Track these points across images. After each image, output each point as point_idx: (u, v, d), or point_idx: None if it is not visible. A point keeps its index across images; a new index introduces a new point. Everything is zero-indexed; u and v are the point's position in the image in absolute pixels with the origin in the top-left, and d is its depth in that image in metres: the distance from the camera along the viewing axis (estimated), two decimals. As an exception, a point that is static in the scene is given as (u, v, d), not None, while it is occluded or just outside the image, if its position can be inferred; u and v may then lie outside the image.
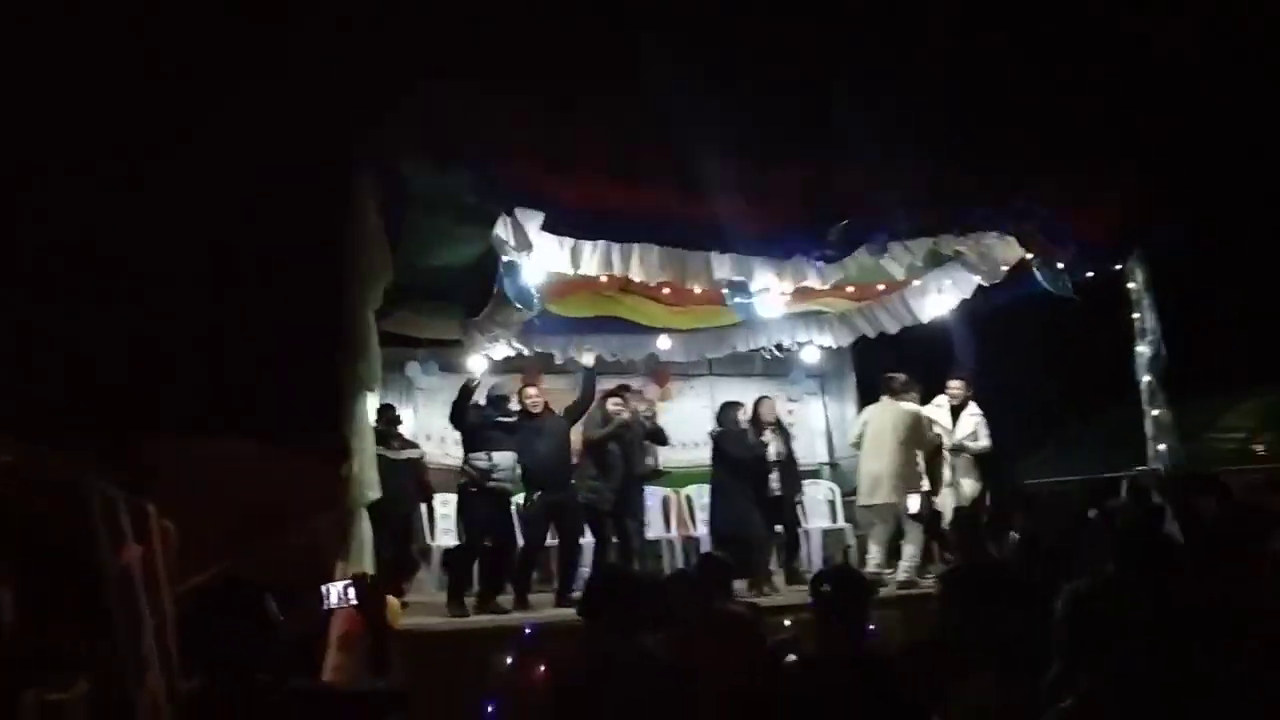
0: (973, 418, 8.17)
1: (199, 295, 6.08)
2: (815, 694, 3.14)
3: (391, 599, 5.44)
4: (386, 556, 6.41)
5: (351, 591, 4.12)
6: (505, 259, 5.65)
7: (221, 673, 2.53)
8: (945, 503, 7.97)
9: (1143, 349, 7.35)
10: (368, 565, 5.29)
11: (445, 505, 8.19)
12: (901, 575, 7.33)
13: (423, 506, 8.25)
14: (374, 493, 5.45)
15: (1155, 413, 7.39)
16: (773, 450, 8.00)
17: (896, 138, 6.30)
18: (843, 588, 3.64)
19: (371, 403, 6.20)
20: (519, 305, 5.82)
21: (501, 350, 7.97)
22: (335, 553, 5.27)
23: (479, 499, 7.01)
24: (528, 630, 5.81)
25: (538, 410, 7.43)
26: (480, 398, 7.34)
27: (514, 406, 7.45)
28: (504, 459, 7.04)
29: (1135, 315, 7.37)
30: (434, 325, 7.82)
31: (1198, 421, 10.20)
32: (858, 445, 7.94)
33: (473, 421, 7.16)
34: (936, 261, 7.68)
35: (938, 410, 8.28)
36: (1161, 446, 7.34)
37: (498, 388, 7.50)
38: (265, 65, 6.04)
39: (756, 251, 6.33)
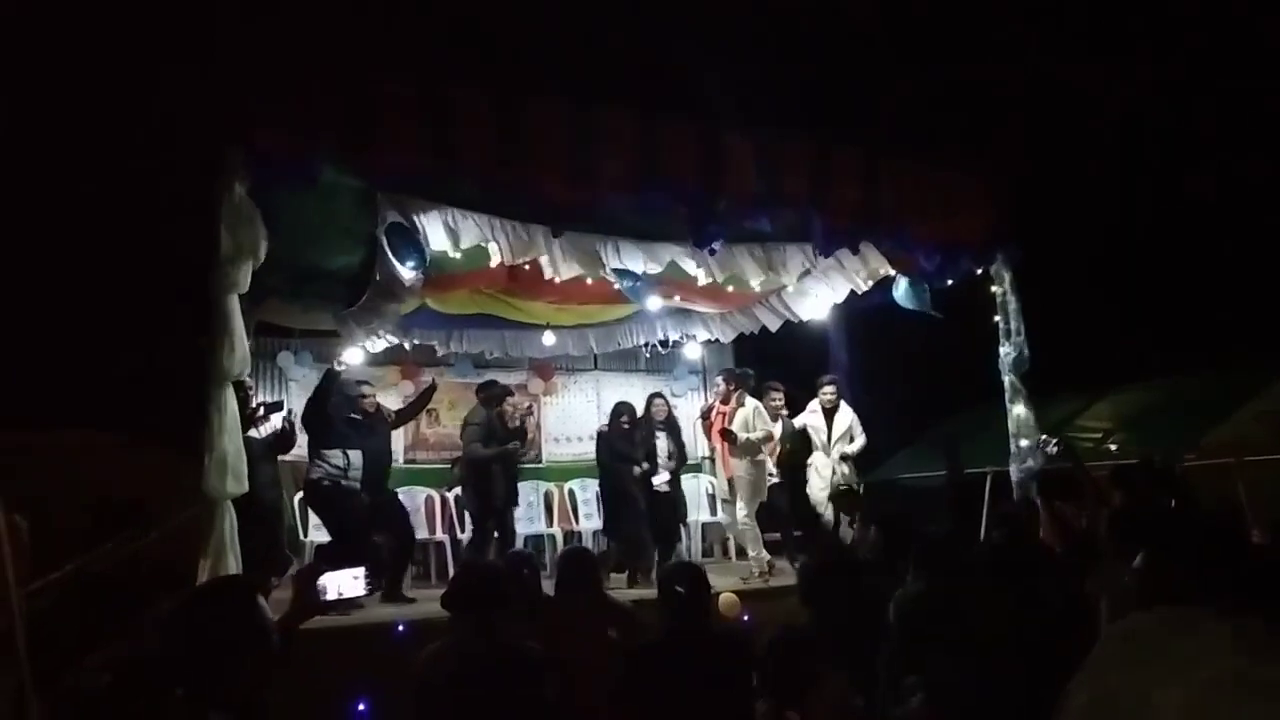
0: (847, 418, 8.42)
1: (50, 282, 5.76)
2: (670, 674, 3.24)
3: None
4: (255, 550, 6.21)
5: (362, 581, 3.83)
6: (391, 221, 5.52)
7: (202, 685, 2.20)
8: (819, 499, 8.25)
9: (1005, 350, 7.64)
10: (233, 561, 5.11)
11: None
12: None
13: (295, 499, 8.05)
14: (241, 486, 5.26)
15: (1017, 411, 7.68)
16: (662, 449, 8.11)
17: (776, 138, 6.42)
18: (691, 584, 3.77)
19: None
20: (411, 267, 5.67)
21: (380, 343, 7.85)
22: (197, 549, 5.07)
23: (341, 493, 6.89)
24: (400, 627, 5.71)
25: (372, 410, 7.48)
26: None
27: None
28: (357, 458, 6.97)
29: (998, 318, 7.66)
30: (309, 316, 7.60)
31: (1056, 421, 10.71)
32: None
33: (331, 416, 7.03)
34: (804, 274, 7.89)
35: (811, 415, 8.51)
36: (1023, 443, 7.63)
37: (348, 386, 7.39)
38: (132, 42, 5.78)
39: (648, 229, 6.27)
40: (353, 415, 7.17)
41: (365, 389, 7.52)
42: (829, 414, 8.46)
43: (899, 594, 2.76)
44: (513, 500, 8.03)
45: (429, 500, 8.99)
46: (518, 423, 8.04)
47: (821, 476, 8.33)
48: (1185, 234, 12.35)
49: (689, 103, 6.25)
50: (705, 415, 8.27)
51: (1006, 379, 7.66)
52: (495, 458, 7.71)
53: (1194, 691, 1.00)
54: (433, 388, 8.29)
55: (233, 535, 5.16)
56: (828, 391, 8.49)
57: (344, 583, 3.83)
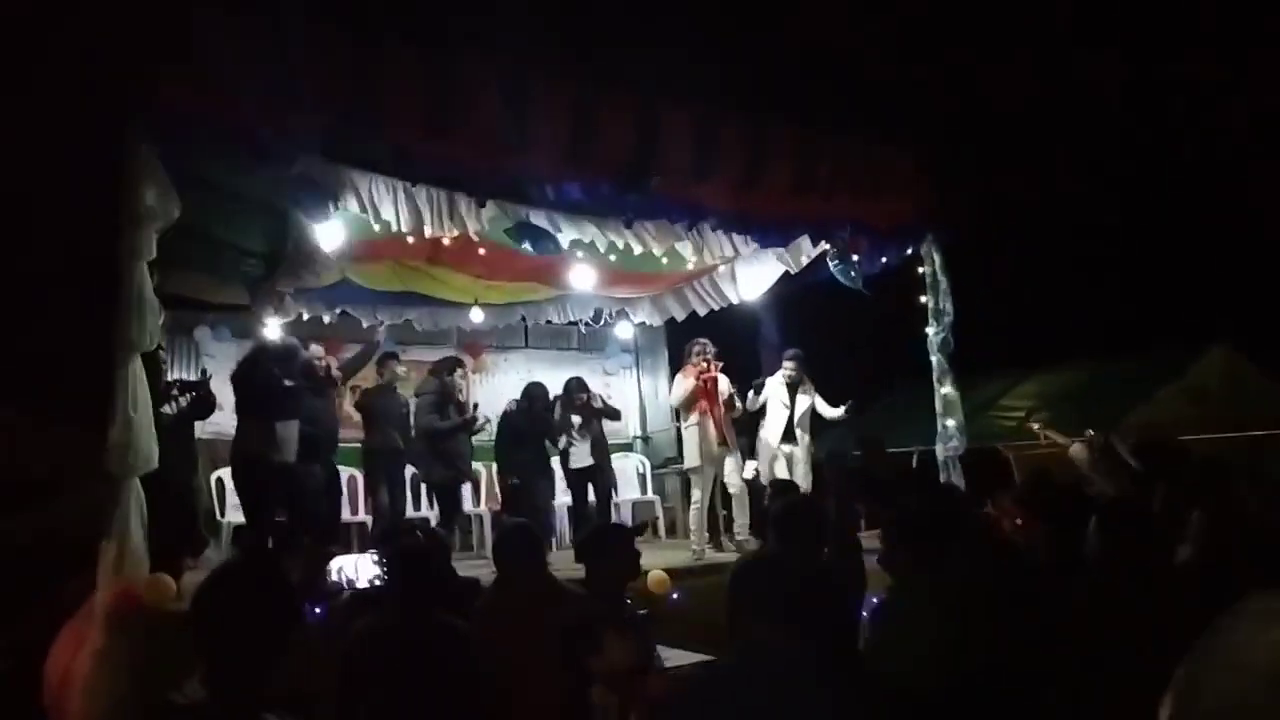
0: (811, 390, 8.42)
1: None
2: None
3: (165, 578, 5.07)
4: (169, 531, 5.98)
5: (377, 568, 3.53)
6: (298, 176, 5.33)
7: (230, 677, 1.95)
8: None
9: (933, 330, 7.69)
10: (139, 541, 4.90)
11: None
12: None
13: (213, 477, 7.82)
14: (148, 464, 5.03)
15: (944, 391, 7.74)
16: (578, 427, 8.08)
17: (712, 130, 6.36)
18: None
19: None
20: (318, 260, 5.49)
21: (295, 314, 7.65)
22: (100, 529, 4.84)
23: (268, 469, 6.60)
24: (317, 609, 5.55)
25: (323, 374, 7.24)
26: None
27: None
28: (290, 429, 6.68)
29: (925, 298, 7.69)
30: (226, 289, 7.35)
31: (983, 400, 10.90)
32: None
33: (266, 383, 6.68)
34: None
35: (779, 387, 8.44)
36: (950, 422, 7.71)
37: (294, 350, 7.11)
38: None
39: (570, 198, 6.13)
40: (289, 381, 6.81)
41: (317, 348, 7.34)
42: (791, 388, 8.39)
43: (739, 559, 2.74)
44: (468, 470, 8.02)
45: (351, 479, 8.80)
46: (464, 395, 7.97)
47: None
48: (1112, 217, 12.63)
49: (625, 75, 6.14)
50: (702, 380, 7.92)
51: (934, 359, 7.72)
52: (457, 429, 7.59)
53: None
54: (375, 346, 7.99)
55: (141, 515, 4.95)
56: (789, 367, 8.38)
57: (361, 568, 3.56)
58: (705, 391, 7.81)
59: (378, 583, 3.45)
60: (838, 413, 8.35)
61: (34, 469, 5.55)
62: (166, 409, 6.67)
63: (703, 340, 8.14)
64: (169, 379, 7.18)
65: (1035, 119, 11.75)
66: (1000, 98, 10.93)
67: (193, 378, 7.89)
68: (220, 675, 1.96)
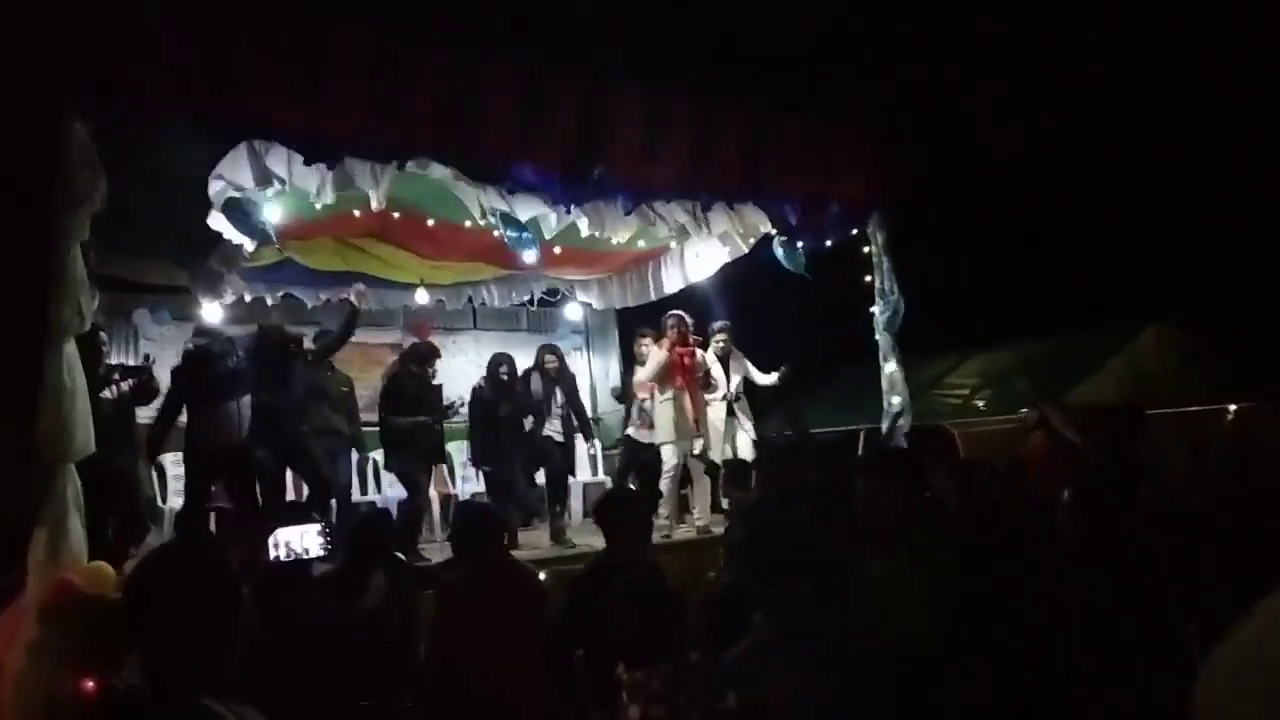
0: (743, 360, 8.43)
1: None
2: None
3: (105, 566, 4.96)
4: (109, 519, 5.86)
5: (319, 540, 3.43)
6: (232, 194, 5.21)
7: (166, 662, 1.87)
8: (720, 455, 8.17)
9: (878, 309, 7.75)
10: (76, 529, 4.78)
11: (179, 465, 7.58)
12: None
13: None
14: (84, 448, 4.90)
15: (889, 369, 7.80)
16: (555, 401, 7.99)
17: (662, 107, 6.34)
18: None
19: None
20: (253, 242, 5.38)
21: (236, 295, 7.48)
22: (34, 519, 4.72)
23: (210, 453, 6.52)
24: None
25: (291, 348, 7.00)
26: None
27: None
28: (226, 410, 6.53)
29: (869, 278, 7.73)
30: (164, 270, 7.18)
31: (926, 379, 11.03)
32: None
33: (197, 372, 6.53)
34: (685, 234, 7.72)
35: (713, 362, 8.42)
36: (895, 399, 7.79)
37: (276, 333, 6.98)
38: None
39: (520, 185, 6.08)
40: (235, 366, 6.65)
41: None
42: (722, 361, 8.38)
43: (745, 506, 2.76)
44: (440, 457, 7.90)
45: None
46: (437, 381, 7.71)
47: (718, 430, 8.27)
48: (1055, 196, 12.82)
49: (573, 55, 6.09)
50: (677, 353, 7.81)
51: (880, 337, 7.79)
52: (415, 428, 7.36)
53: None
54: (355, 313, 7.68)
55: (77, 502, 4.83)
56: (720, 340, 8.40)
57: (306, 540, 3.45)
58: (681, 366, 7.70)
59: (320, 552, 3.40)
60: (772, 379, 8.36)
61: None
62: (107, 394, 6.52)
63: (678, 313, 8.01)
64: (109, 363, 6.99)
65: (977, 99, 11.88)
66: (944, 79, 11.03)
67: (134, 363, 7.71)
68: (156, 660, 1.92)
